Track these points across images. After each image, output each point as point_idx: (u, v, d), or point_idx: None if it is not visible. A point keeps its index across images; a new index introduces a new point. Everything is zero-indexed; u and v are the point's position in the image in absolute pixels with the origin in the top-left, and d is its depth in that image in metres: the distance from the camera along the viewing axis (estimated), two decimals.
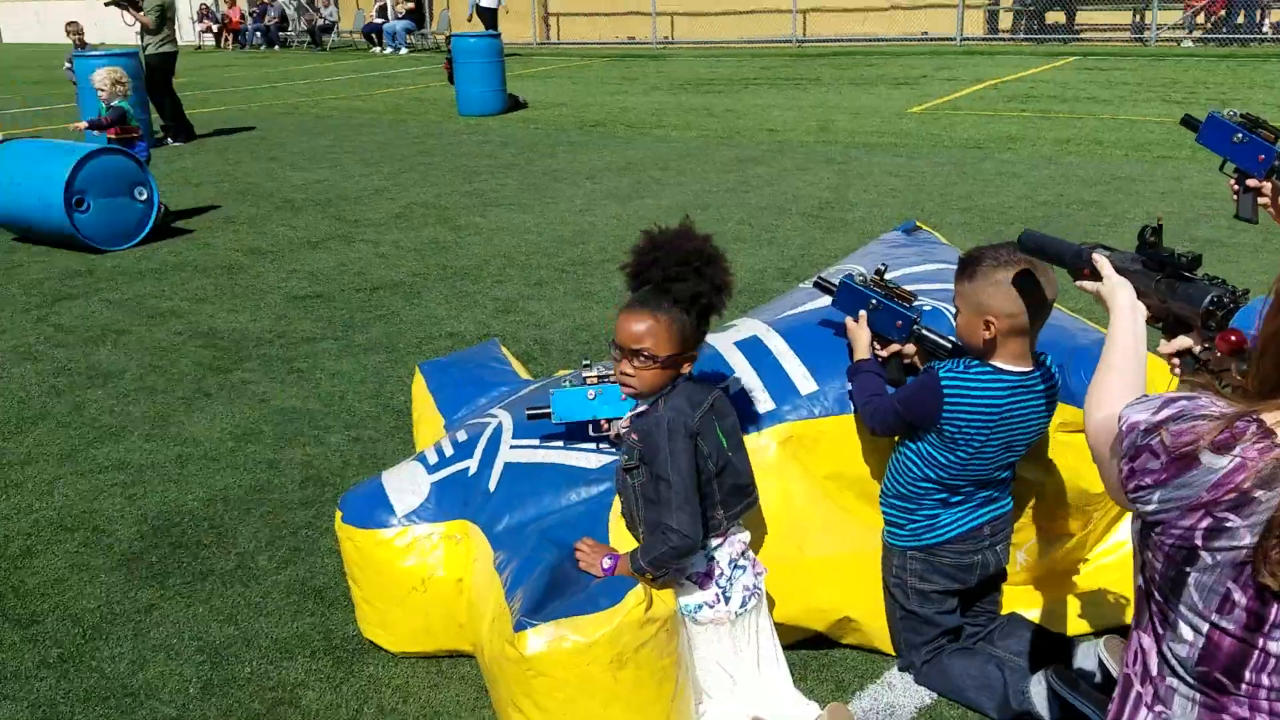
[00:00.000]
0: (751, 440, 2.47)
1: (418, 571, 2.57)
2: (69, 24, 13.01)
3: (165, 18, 11.43)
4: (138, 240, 6.97)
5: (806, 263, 6.06)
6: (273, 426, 4.10)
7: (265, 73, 20.84)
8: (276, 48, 27.71)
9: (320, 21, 27.60)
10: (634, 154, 10.20)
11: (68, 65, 11.78)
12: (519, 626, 2.11)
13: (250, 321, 5.39)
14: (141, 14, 11.25)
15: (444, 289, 5.89)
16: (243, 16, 28.99)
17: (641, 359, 2.12)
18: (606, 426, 2.51)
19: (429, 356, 4.81)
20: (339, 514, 2.66)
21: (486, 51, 13.37)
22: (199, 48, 29.13)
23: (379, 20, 26.30)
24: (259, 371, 4.69)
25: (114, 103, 7.67)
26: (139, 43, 11.54)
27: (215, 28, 29.31)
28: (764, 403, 2.58)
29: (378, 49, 26.07)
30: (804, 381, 2.60)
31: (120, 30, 11.72)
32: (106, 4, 11.51)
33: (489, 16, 20.84)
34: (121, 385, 4.55)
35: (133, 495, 3.58)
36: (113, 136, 7.42)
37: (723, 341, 2.79)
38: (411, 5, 26.57)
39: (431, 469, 2.72)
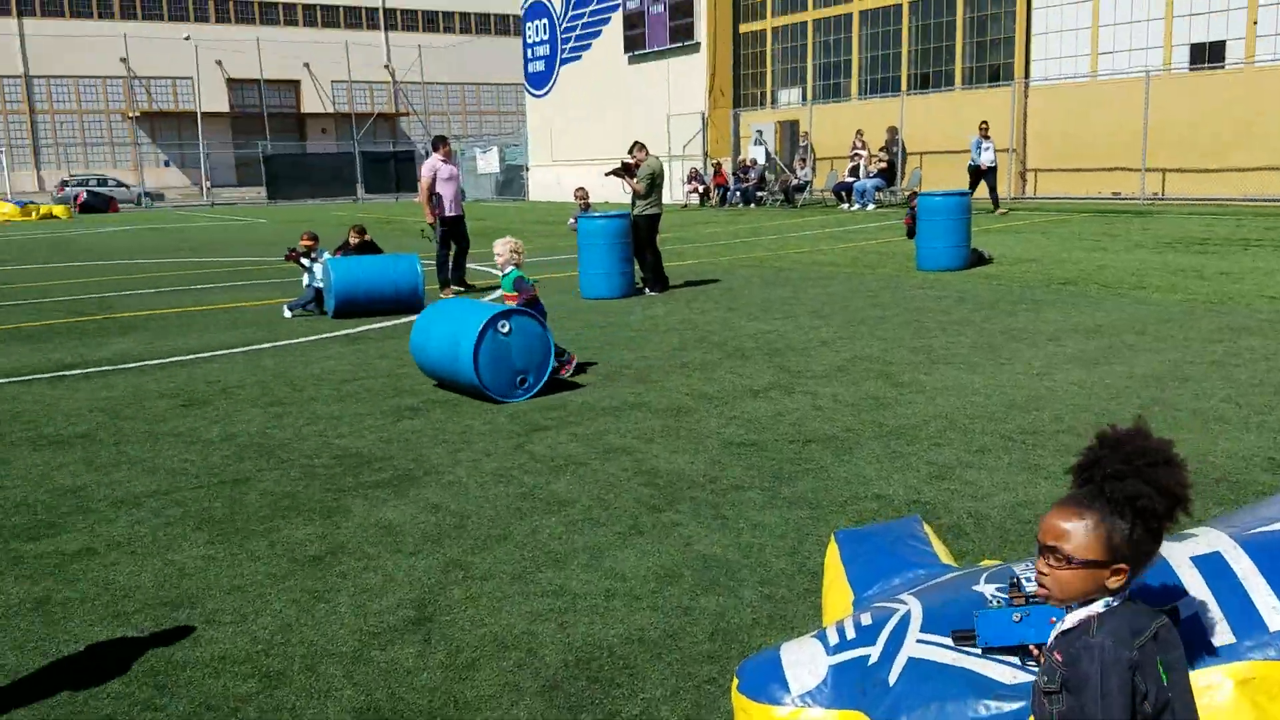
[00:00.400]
0: (1200, 677, 2.09)
1: None
2: (577, 189, 15.01)
3: (655, 185, 12.76)
4: (534, 393, 7.29)
5: None
6: (693, 571, 4.22)
7: (738, 229, 22.39)
8: (753, 205, 29.76)
9: (795, 181, 29.27)
10: (1106, 316, 9.48)
11: (572, 222, 13.57)
12: None
13: (688, 464, 5.66)
14: (635, 182, 12.66)
15: (877, 448, 5.79)
16: (725, 177, 31.61)
17: (1056, 558, 1.90)
18: (1036, 652, 2.26)
19: (854, 517, 4.71)
20: (735, 681, 2.64)
21: (952, 208, 13.31)
22: (685, 206, 32.09)
23: (850, 179, 27.31)
24: (688, 514, 4.88)
25: (508, 270, 8.09)
26: (630, 206, 12.96)
27: (701, 189, 32.20)
28: (1221, 634, 2.18)
29: (846, 205, 27.01)
30: (1274, 615, 2.17)
31: (619, 194, 13.28)
32: (606, 175, 13.12)
33: (987, 175, 21.21)
34: (571, 514, 4.95)
35: (564, 623, 3.83)
36: (512, 301, 7.89)
37: (1177, 554, 2.42)
38: (885, 165, 27.34)
39: (831, 650, 2.61)
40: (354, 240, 12.18)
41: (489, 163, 43.54)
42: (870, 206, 25.90)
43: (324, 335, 10.10)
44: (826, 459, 5.65)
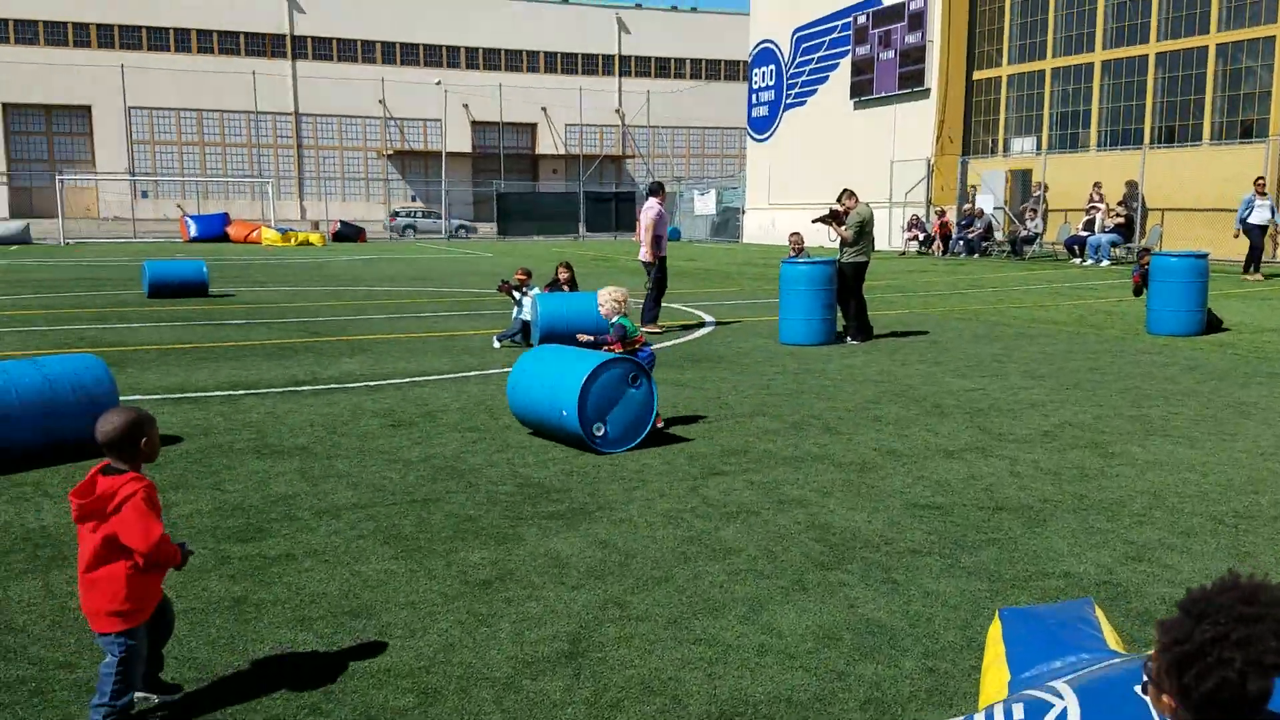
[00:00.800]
0: None
1: None
2: (792, 234, 14.89)
3: (864, 232, 12.56)
4: (636, 443, 7.05)
5: None
6: (854, 635, 4.10)
7: (957, 280, 21.66)
8: (976, 256, 28.73)
9: (1023, 233, 28.06)
10: None
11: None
12: None
13: (865, 522, 5.51)
14: (844, 229, 12.51)
15: (1073, 521, 5.44)
16: (948, 226, 30.68)
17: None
18: None
19: (1036, 594, 4.45)
20: None
21: (1188, 270, 12.39)
22: (903, 253, 31.37)
23: (1084, 233, 25.95)
24: (857, 575, 4.74)
25: (614, 319, 7.85)
26: (838, 253, 12.81)
27: (921, 236, 31.40)
28: None
29: (1078, 260, 25.66)
30: None
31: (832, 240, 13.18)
32: (814, 221, 13.04)
33: (1252, 233, 19.93)
34: (736, 563, 4.92)
35: (713, 674, 3.80)
36: (618, 350, 7.67)
37: None
38: (1122, 220, 25.83)
39: None
40: (562, 275, 12.64)
41: (705, 205, 44.16)
42: (1105, 263, 24.47)
43: None
44: (1016, 529, 5.36)
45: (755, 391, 9.26)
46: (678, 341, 12.44)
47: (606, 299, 7.88)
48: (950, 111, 33.64)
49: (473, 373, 10.16)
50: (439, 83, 64.73)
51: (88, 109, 62.84)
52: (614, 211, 47.90)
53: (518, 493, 6.04)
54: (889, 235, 33.22)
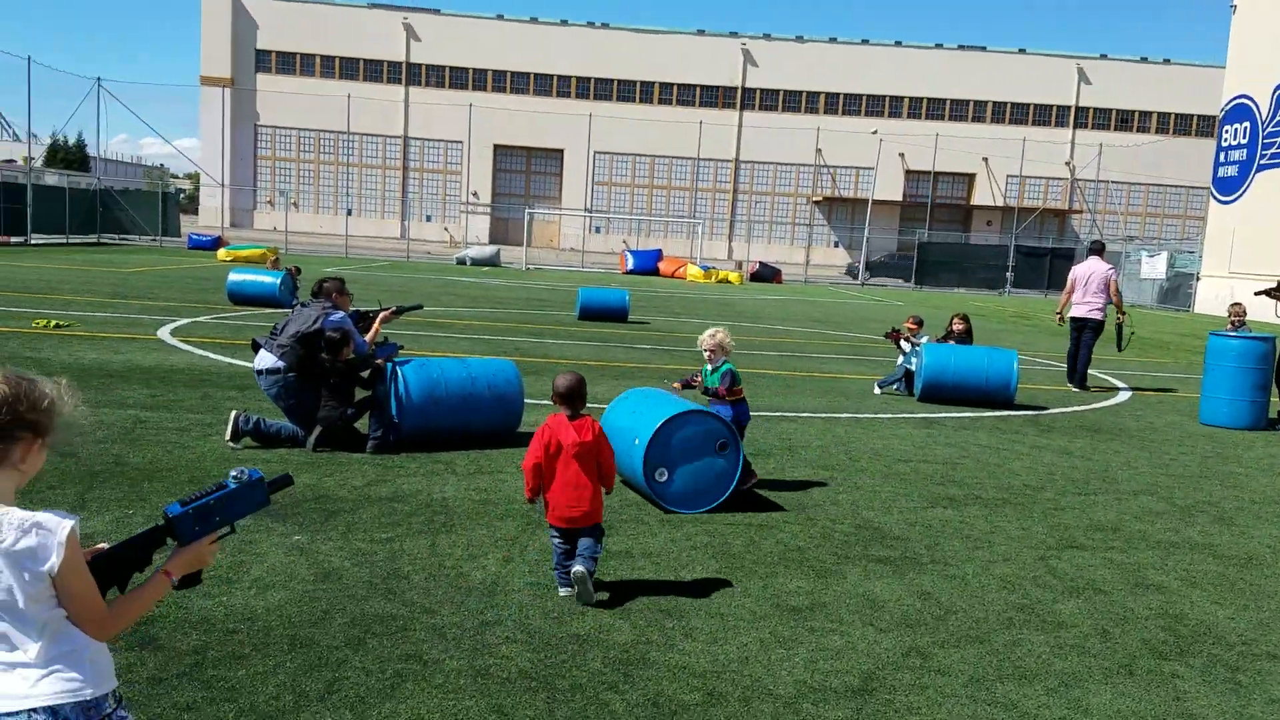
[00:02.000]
0: None
1: None
2: (1232, 304, 13.20)
3: None
4: (715, 504, 6.34)
5: None
6: None
7: None
8: None
9: None
10: None
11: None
12: None
13: (1228, 619, 4.93)
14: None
15: None
16: None
17: None
18: None
19: None
20: None
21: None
22: None
23: None
24: (1196, 670, 4.29)
25: (723, 364, 6.85)
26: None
27: None
28: None
29: None
30: None
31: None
32: (1256, 294, 11.65)
33: None
34: (1065, 638, 4.65)
35: None
36: (726, 399, 6.80)
37: None
38: None
39: None
40: (957, 327, 12.32)
41: (1154, 268, 40.37)
42: None
43: (901, 414, 10.41)
44: None
45: (1150, 469, 8.50)
46: (1082, 409, 11.66)
47: (709, 341, 6.76)
48: None
49: (844, 414, 10.27)
50: (875, 131, 65.13)
51: (560, 152, 70.72)
52: (1048, 268, 45.20)
53: (854, 533, 6.11)
54: None
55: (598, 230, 71.65)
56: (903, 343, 11.97)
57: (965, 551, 5.88)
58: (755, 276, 43.01)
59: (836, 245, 71.47)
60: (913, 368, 11.61)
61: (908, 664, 4.25)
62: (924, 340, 11.84)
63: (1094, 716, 3.86)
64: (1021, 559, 5.80)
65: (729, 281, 39.22)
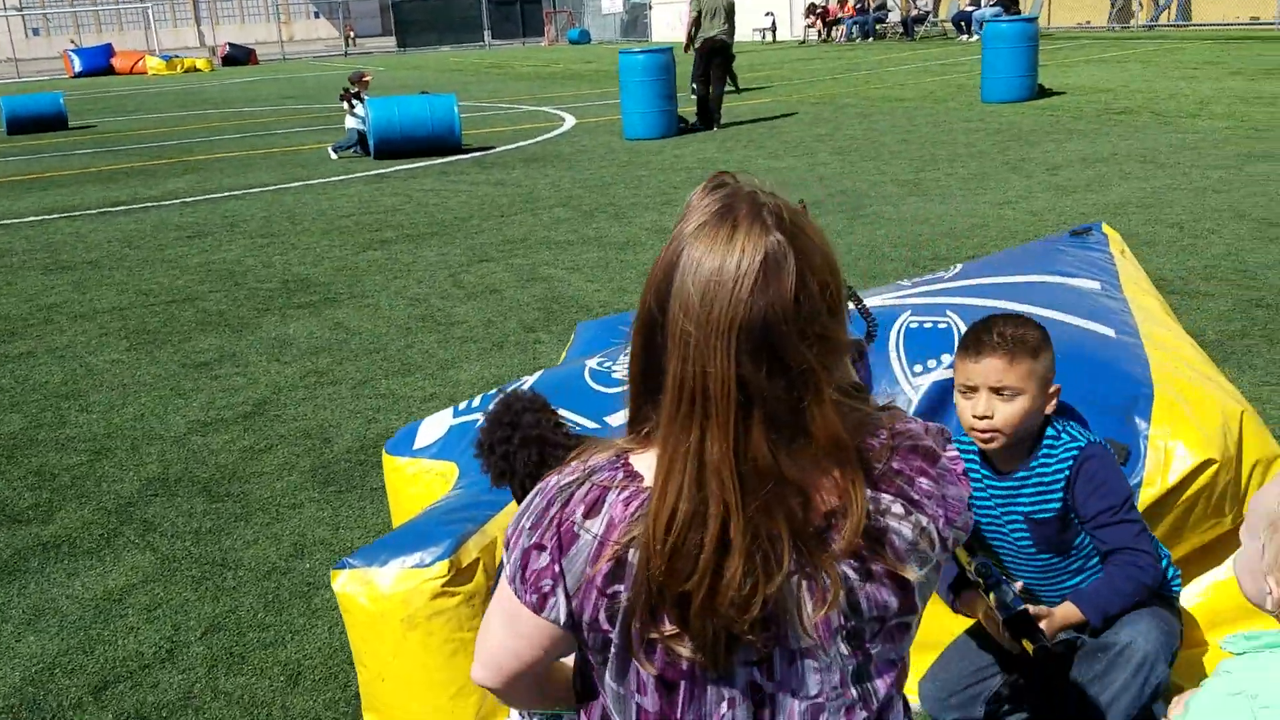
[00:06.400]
0: None
1: (419, 499, 2.77)
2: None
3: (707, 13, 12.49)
4: None
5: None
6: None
7: (837, 65, 21.58)
8: (870, 40, 28.45)
9: (914, 12, 27.75)
10: (1129, 144, 9.02)
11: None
12: (339, 564, 2.26)
13: (593, 291, 5.91)
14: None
15: None
16: (849, 10, 30.12)
17: None
18: None
19: None
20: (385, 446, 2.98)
21: (1017, 36, 12.56)
22: (803, 42, 30.93)
23: (970, 8, 25.71)
24: (556, 335, 5.17)
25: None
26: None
27: (821, 25, 30.87)
28: None
29: (964, 36, 25.53)
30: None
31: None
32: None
33: None
34: (452, 333, 5.31)
35: (386, 424, 4.24)
36: None
37: None
38: None
39: (456, 413, 2.91)
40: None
41: (613, 2, 42.71)
42: None
43: (356, 175, 10.60)
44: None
45: (569, 185, 9.49)
46: (527, 143, 12.51)
47: None
48: None
49: (296, 184, 10.25)
50: None
51: None
52: (520, 16, 46.18)
53: (281, 288, 6.35)
54: (790, 23, 32.63)
55: (36, 33, 61.36)
56: (351, 101, 11.94)
57: (384, 283, 6.36)
58: (227, 60, 39.70)
59: (317, 16, 67.30)
60: (364, 128, 11.68)
61: (304, 383, 4.68)
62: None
63: (463, 386, 4.55)
64: (434, 279, 6.40)
65: (198, 69, 35.93)
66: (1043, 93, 12.93)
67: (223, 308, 5.95)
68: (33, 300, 6.36)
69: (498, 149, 12.09)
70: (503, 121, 14.99)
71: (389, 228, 7.95)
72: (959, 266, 2.95)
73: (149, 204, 9.56)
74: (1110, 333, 2.37)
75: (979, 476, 2.08)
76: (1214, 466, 2.11)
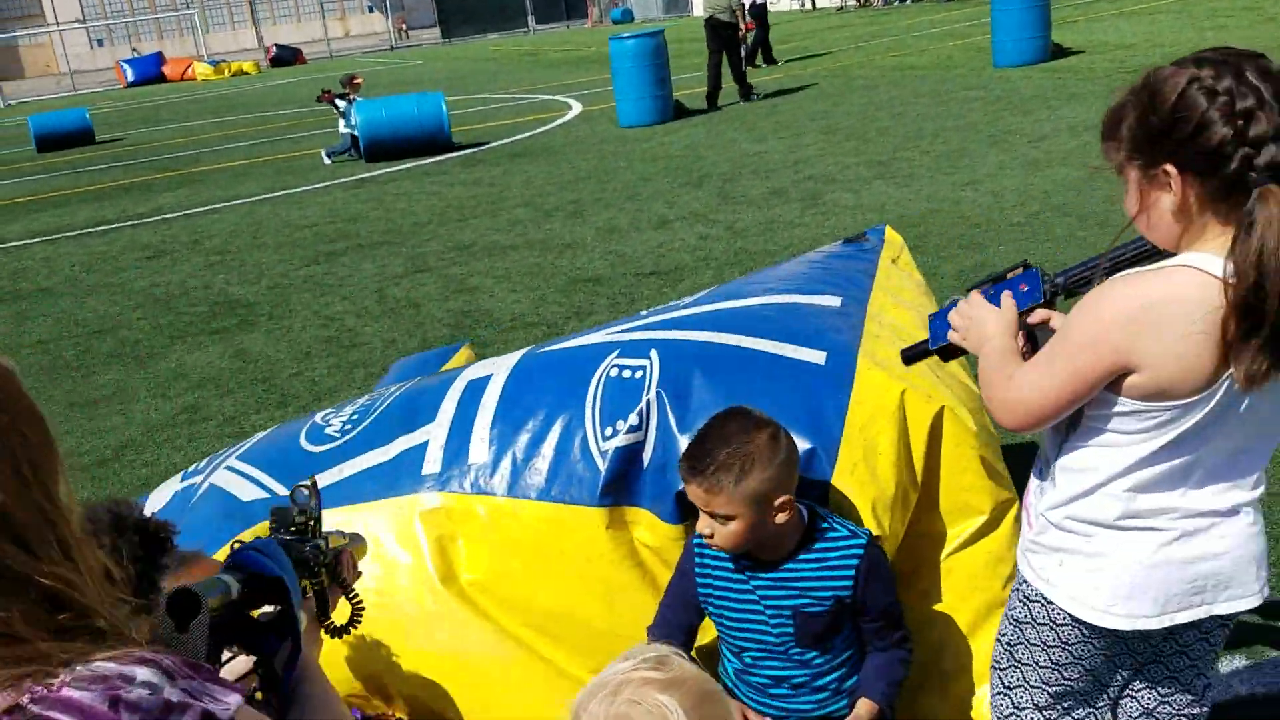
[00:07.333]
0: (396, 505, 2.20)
1: None
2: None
3: None
4: None
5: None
6: None
7: (863, 32, 20.93)
8: (908, 2, 27.57)
9: None
10: None
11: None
12: None
13: (514, 301, 5.70)
14: None
15: (709, 278, 5.59)
16: None
17: None
18: None
19: None
20: None
21: None
22: (841, 8, 30.12)
23: None
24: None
25: None
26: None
27: None
28: (432, 463, 2.23)
29: None
30: (480, 445, 2.21)
31: None
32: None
33: None
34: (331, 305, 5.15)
35: None
36: None
37: (462, 376, 2.43)
38: None
39: (185, 477, 2.73)
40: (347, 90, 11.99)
41: None
42: None
43: (339, 181, 10.51)
44: (655, 290, 5.54)
45: (543, 182, 9.26)
46: (522, 137, 12.30)
47: None
48: None
49: (278, 194, 10.20)
50: None
51: None
52: (563, 1, 45.90)
53: (207, 312, 6.27)
54: None
55: (100, 43, 63.09)
56: (338, 102, 11.81)
57: (309, 300, 6.23)
58: (275, 61, 40.23)
59: (371, 10, 67.91)
60: (355, 131, 11.55)
61: (175, 422, 4.56)
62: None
63: None
64: (360, 295, 6.24)
65: (246, 72, 36.49)
66: (1059, 52, 12.28)
67: (139, 337, 5.88)
68: None
69: (490, 144, 11.90)
70: (508, 114, 14.81)
71: (344, 238, 7.83)
72: (705, 292, 2.74)
73: (130, 222, 9.59)
74: (820, 358, 2.12)
75: (739, 568, 1.91)
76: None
